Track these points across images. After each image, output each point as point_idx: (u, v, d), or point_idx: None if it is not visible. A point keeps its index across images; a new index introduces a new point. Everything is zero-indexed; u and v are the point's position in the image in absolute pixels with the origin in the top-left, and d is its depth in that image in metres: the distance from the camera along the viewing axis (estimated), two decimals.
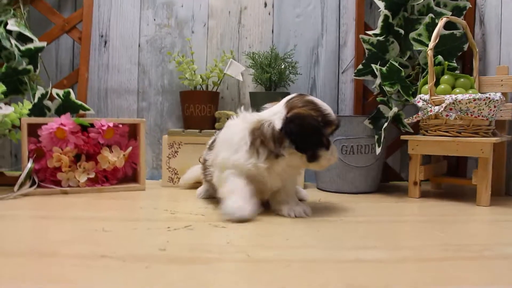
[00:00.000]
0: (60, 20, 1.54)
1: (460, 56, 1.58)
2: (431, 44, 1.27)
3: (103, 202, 1.22)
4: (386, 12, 1.44)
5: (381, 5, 1.44)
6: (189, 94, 1.55)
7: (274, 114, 1.04)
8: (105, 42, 1.66)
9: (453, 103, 1.22)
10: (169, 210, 1.10)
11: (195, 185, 1.39)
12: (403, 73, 1.36)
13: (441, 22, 1.28)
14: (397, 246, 0.83)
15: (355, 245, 0.83)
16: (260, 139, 1.01)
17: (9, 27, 1.37)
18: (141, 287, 0.60)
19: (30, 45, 1.40)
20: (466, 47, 1.41)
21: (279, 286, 0.61)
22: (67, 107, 1.45)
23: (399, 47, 1.45)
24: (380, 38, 1.45)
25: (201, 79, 1.54)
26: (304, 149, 1.02)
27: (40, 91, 1.42)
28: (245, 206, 0.99)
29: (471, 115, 1.22)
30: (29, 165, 1.27)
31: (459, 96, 1.21)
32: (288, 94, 1.52)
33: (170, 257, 0.74)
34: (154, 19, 1.66)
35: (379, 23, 1.45)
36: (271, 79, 1.50)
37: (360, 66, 1.49)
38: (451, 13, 1.42)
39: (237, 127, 1.06)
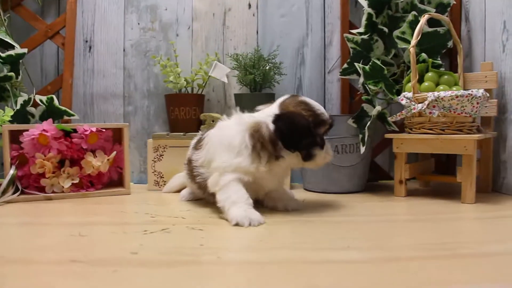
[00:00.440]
0: (43, 26, 1.54)
1: (448, 53, 1.58)
2: (413, 42, 1.26)
3: (87, 207, 1.21)
4: (370, 10, 1.43)
5: (365, 3, 1.43)
6: (174, 97, 1.54)
7: (268, 115, 1.04)
8: (90, 47, 1.66)
9: (436, 100, 1.21)
10: (150, 214, 1.09)
11: (181, 188, 1.38)
12: (386, 72, 1.35)
13: (423, 19, 1.28)
14: (372, 246, 0.82)
15: (329, 246, 0.82)
16: (260, 142, 1.02)
17: None
18: None
19: (11, 52, 1.40)
20: (451, 44, 1.40)
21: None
22: (51, 113, 1.45)
23: (384, 45, 1.45)
24: (365, 36, 1.44)
25: (185, 82, 1.53)
26: (293, 148, 1.03)
27: (23, 97, 1.42)
28: (254, 212, 0.99)
29: (454, 112, 1.21)
30: (12, 171, 1.26)
31: (442, 93, 1.20)
32: (273, 95, 1.53)
33: (140, 260, 0.73)
34: (139, 23, 1.66)
35: (363, 21, 1.44)
36: (255, 80, 1.49)
37: (345, 65, 1.49)
38: (434, 10, 1.42)
39: (234, 129, 1.04)
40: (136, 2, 1.65)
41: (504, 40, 1.34)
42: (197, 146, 1.16)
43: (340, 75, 1.51)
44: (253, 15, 1.65)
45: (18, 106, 1.40)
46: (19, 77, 1.43)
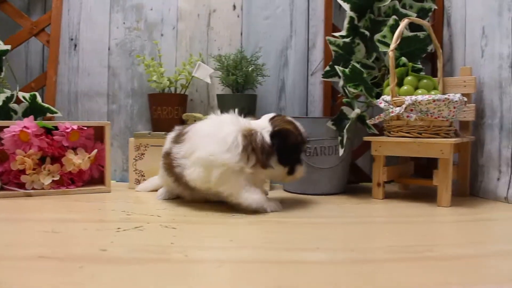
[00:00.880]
0: (28, 23, 1.54)
1: (430, 57, 1.60)
2: (392, 46, 1.27)
3: (65, 204, 1.22)
4: (352, 14, 1.44)
5: (346, 7, 1.45)
6: (157, 97, 1.55)
7: (262, 128, 1.10)
8: (75, 45, 1.66)
9: (413, 104, 1.22)
10: (126, 211, 1.10)
11: (156, 189, 1.39)
12: (365, 75, 1.36)
13: (402, 24, 1.29)
14: (342, 248, 0.83)
15: (299, 246, 0.83)
16: (252, 146, 1.05)
17: None
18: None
19: None
20: (431, 48, 1.41)
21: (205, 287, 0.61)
22: (34, 110, 1.45)
23: (366, 48, 1.46)
24: (346, 39, 1.45)
25: (168, 82, 1.54)
26: (287, 162, 1.12)
27: (5, 94, 1.42)
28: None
29: (431, 116, 1.22)
30: None
31: (419, 97, 1.22)
32: (255, 96, 1.55)
33: (108, 257, 0.74)
34: (124, 23, 1.66)
35: (345, 25, 1.45)
36: (238, 81, 1.50)
37: (328, 68, 1.50)
38: (416, 15, 1.43)
39: (228, 126, 1.07)
40: (122, 2, 1.66)
41: (483, 45, 1.35)
42: (178, 140, 1.16)
43: (322, 77, 1.52)
44: (238, 16, 1.66)
45: (0, 103, 1.40)
46: (2, 74, 1.43)
